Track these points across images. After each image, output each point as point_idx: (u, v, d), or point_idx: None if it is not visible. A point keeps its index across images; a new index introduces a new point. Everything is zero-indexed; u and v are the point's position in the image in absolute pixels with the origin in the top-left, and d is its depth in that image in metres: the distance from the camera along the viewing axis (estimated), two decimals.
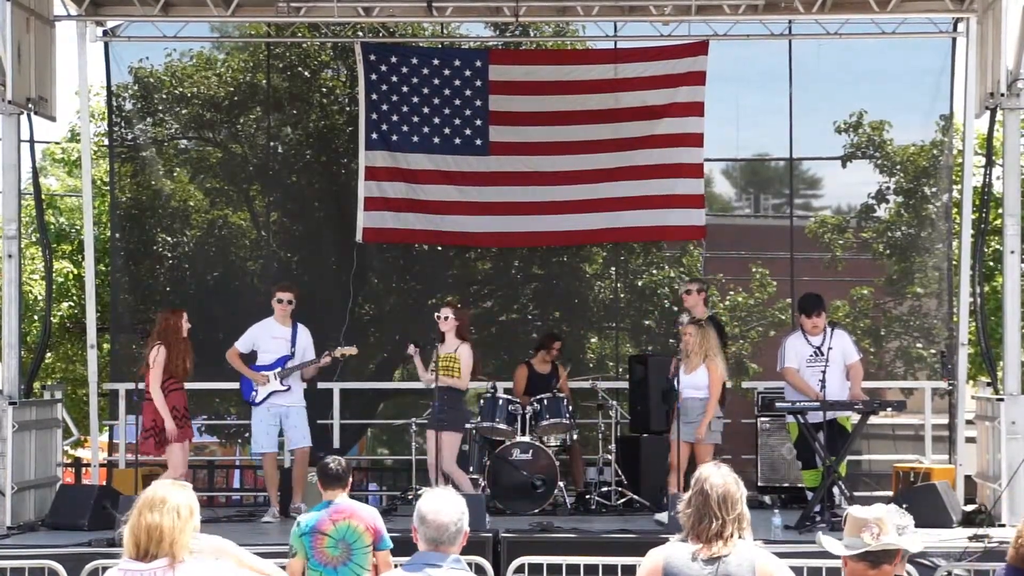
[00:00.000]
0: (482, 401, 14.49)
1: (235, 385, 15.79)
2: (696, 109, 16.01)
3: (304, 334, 13.95)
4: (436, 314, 13.71)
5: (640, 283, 18.36)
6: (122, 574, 5.50)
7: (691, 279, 15.85)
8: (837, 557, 5.68)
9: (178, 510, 5.46)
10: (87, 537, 12.25)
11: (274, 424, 13.75)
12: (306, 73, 18.35)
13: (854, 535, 5.56)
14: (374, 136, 16.20)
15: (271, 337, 13.86)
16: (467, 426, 14.08)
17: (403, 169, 16.25)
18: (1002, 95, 13.38)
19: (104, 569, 10.13)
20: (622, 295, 18.26)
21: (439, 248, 17.87)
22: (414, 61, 16.29)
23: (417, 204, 16.30)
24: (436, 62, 16.35)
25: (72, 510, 13.32)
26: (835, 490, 12.84)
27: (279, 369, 13.75)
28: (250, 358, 13.91)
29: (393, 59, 16.21)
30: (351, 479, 9.00)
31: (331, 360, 14.09)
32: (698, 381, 13.11)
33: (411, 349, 13.66)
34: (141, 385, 13.39)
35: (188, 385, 13.70)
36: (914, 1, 15.30)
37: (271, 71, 18.07)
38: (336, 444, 15.95)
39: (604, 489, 14.39)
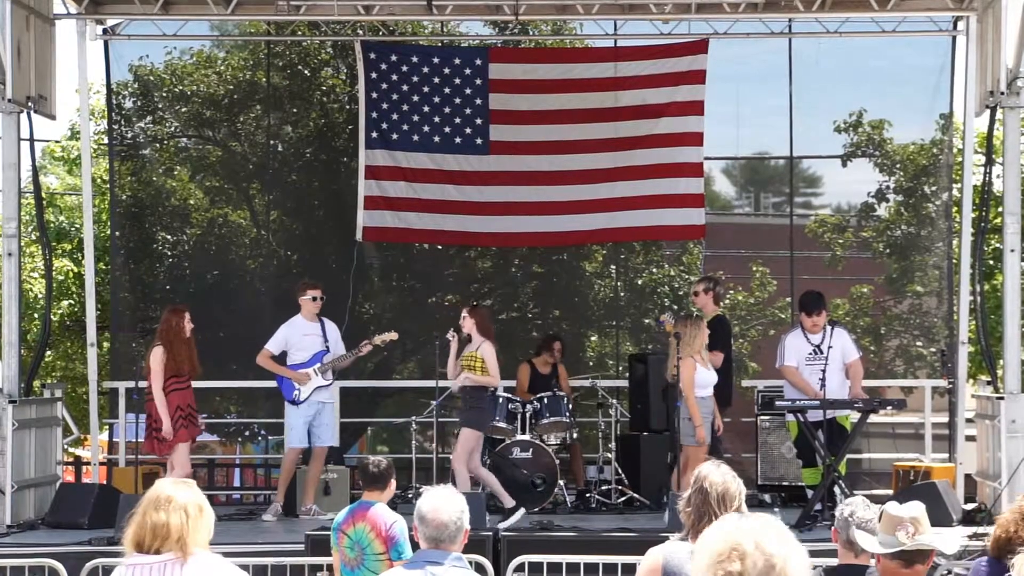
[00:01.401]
0: None
1: (235, 384, 15.82)
2: (696, 108, 15.98)
3: (332, 328, 13.98)
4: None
5: (640, 281, 18.37)
6: (130, 569, 5.45)
7: (699, 279, 15.58)
8: (872, 554, 5.69)
9: (186, 508, 5.41)
10: (87, 536, 12.25)
11: (309, 419, 13.77)
12: (306, 71, 18.35)
13: (889, 533, 5.55)
14: (374, 135, 16.19)
15: (303, 335, 13.84)
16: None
17: (403, 168, 16.23)
18: (1002, 93, 13.37)
19: (105, 568, 10.13)
20: (622, 293, 18.26)
21: (439, 247, 17.87)
22: (414, 59, 16.28)
23: (417, 203, 16.28)
24: (436, 60, 16.34)
25: (72, 509, 13.33)
26: (835, 488, 12.83)
27: (318, 364, 13.76)
28: (278, 359, 13.89)
29: (393, 57, 16.20)
30: (393, 480, 8.85)
31: (371, 348, 14.11)
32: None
33: (450, 334, 13.33)
34: (142, 384, 13.39)
35: None
36: None
37: (271, 69, 18.07)
38: (336, 443, 15.93)
39: (604, 488, 14.40)
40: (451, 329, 13.34)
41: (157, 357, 13.13)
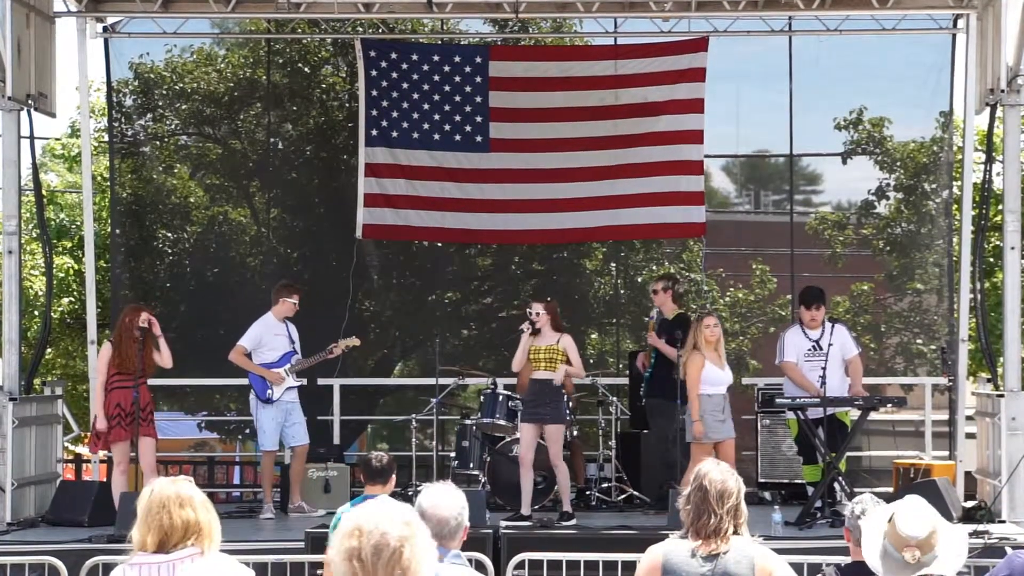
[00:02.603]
0: (482, 397, 14.47)
1: (234, 381, 15.79)
2: (696, 106, 15.97)
3: (294, 330, 14.02)
4: (528, 311, 13.12)
5: (640, 279, 18.36)
6: (135, 568, 5.42)
7: (657, 276, 15.54)
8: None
9: (206, 505, 5.46)
10: (87, 533, 12.26)
11: (281, 421, 13.80)
12: (306, 69, 18.35)
13: (897, 548, 5.43)
14: (374, 132, 16.18)
15: (274, 335, 13.90)
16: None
17: (403, 166, 16.23)
18: (1002, 91, 13.38)
19: (105, 566, 10.12)
20: (622, 291, 18.26)
21: (439, 244, 17.86)
22: (414, 57, 16.28)
23: (417, 201, 16.28)
24: (436, 58, 16.33)
25: (72, 506, 13.34)
26: (835, 486, 12.83)
27: (288, 365, 13.79)
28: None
29: (393, 55, 16.20)
30: (394, 475, 8.82)
31: (339, 352, 14.14)
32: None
33: (524, 325, 12.99)
34: None
35: (189, 381, 13.70)
36: None
37: (271, 67, 18.06)
38: (336, 440, 15.95)
39: (604, 485, 14.40)
40: (525, 321, 13.18)
41: (102, 353, 13.14)
